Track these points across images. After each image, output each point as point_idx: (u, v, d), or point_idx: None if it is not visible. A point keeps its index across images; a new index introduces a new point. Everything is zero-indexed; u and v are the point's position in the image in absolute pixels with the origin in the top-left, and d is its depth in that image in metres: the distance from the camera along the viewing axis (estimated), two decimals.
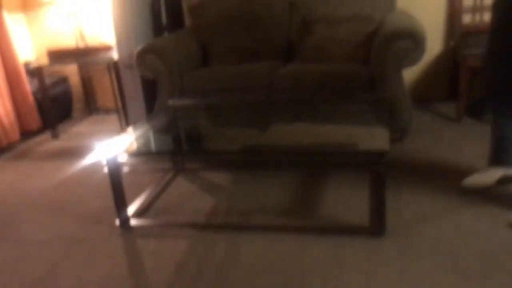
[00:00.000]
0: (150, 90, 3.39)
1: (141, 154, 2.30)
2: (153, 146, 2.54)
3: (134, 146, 2.40)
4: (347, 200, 2.36)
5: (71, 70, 4.20)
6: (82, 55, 3.79)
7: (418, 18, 3.09)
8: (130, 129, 2.65)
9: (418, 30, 2.68)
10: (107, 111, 4.27)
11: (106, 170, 2.22)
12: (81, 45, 3.94)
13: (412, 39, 2.64)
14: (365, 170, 2.03)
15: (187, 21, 3.84)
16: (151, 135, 2.63)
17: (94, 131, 3.90)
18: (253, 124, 2.85)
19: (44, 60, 3.82)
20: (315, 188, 2.54)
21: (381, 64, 2.73)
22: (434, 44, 3.60)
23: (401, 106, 2.82)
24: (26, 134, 3.83)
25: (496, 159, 2.32)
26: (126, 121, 3.67)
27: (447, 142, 2.98)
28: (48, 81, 3.88)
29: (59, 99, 4.08)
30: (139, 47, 3.12)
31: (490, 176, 2.31)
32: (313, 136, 2.53)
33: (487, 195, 2.26)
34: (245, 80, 3.01)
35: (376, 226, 2.05)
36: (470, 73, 3.17)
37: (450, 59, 3.64)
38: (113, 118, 4.05)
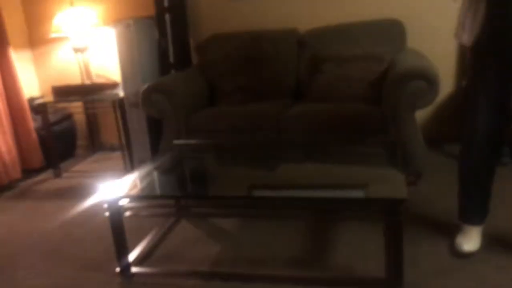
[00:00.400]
0: (156, 129, 3.32)
1: (143, 198, 2.20)
2: (157, 188, 2.44)
3: (137, 188, 2.30)
4: (361, 248, 2.24)
5: (76, 107, 4.14)
6: (88, 92, 3.73)
7: (429, 57, 3.05)
8: (133, 171, 2.56)
9: (432, 70, 2.61)
10: (111, 149, 4.19)
11: (107, 214, 2.12)
12: (87, 81, 3.89)
13: (425, 80, 2.57)
14: (381, 218, 1.91)
15: (195, 59, 3.81)
16: (155, 176, 2.53)
17: (97, 169, 3.81)
18: (260, 164, 2.76)
19: (49, 97, 3.77)
20: (326, 234, 2.41)
21: (394, 106, 2.65)
22: (445, 83, 3.51)
23: (415, 149, 2.73)
24: (28, 171, 3.74)
25: (464, 214, 2.20)
26: (130, 160, 3.58)
27: None
28: (52, 118, 3.82)
29: (63, 137, 4.01)
30: (145, 85, 3.07)
31: (473, 239, 2.15)
32: (323, 177, 2.43)
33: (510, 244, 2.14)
34: (253, 121, 2.94)
35: (393, 279, 1.92)
36: None
37: (461, 99, 3.55)
38: (117, 156, 3.96)
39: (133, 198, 2.19)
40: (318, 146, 2.82)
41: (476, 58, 1.99)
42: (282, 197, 2.13)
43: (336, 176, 2.36)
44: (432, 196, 2.76)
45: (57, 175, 3.72)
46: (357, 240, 2.30)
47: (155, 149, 3.38)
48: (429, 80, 2.57)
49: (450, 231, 2.27)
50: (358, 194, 2.12)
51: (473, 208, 2.16)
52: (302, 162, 2.69)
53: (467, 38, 1.95)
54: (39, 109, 3.65)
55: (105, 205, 2.09)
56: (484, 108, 1.98)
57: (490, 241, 2.18)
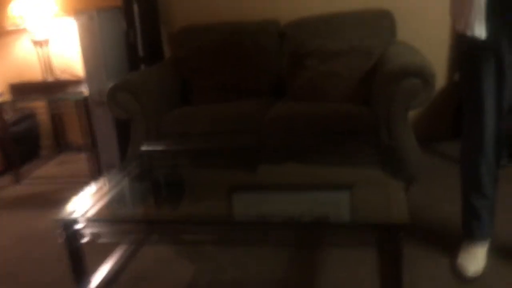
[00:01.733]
0: (124, 130, 3.01)
1: (104, 221, 1.93)
2: (120, 205, 2.15)
3: (99, 206, 2.01)
4: (353, 270, 1.99)
5: (39, 105, 3.81)
6: (50, 90, 3.41)
7: (420, 49, 2.81)
8: (98, 177, 2.28)
9: (427, 67, 2.37)
10: (78, 149, 3.87)
11: (62, 237, 1.83)
12: (49, 78, 3.55)
13: (420, 77, 2.32)
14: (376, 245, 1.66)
15: (167, 52, 3.50)
16: (120, 189, 2.24)
17: (61, 174, 3.50)
18: (240, 165, 2.50)
19: (7, 95, 3.43)
20: (313, 254, 2.16)
21: (386, 106, 2.40)
22: (436, 78, 3.29)
23: (410, 152, 2.49)
24: None
25: (469, 231, 1.97)
26: (97, 164, 3.28)
27: (456, 190, 2.63)
28: (11, 117, 3.50)
29: (25, 137, 3.68)
30: (110, 83, 2.77)
31: (477, 258, 1.93)
32: (306, 178, 2.19)
33: None
34: (231, 123, 2.67)
35: None
36: None
37: (453, 94, 3.33)
38: (83, 158, 3.65)
39: (92, 221, 1.90)
40: (301, 150, 2.57)
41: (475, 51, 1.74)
42: (262, 222, 1.86)
43: (319, 176, 2.16)
44: (427, 203, 2.53)
45: (17, 180, 3.40)
46: (349, 261, 2.06)
47: (124, 152, 3.09)
48: (424, 77, 2.32)
49: (450, 246, 2.05)
50: (345, 215, 1.86)
51: (480, 221, 1.93)
52: (284, 161, 2.45)
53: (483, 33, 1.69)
54: None
55: (60, 229, 1.81)
56: (490, 107, 1.75)
57: (494, 252, 1.96)
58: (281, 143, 2.63)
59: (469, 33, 1.69)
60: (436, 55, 3.24)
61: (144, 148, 2.57)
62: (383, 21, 2.99)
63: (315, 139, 2.54)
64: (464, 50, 1.81)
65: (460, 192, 1.98)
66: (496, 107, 1.74)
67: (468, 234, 1.95)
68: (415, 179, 2.61)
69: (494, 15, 1.63)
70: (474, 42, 1.69)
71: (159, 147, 2.62)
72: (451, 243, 2.08)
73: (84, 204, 1.95)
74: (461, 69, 1.90)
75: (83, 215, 1.87)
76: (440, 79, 3.32)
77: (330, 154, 2.42)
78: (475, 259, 1.90)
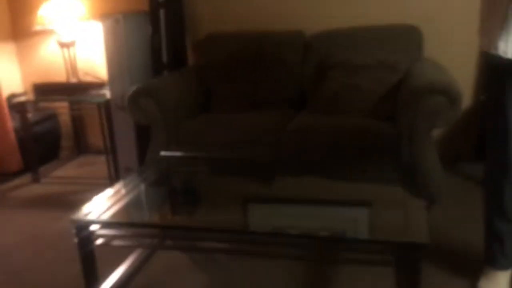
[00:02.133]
0: (144, 135, 3.01)
1: (118, 224, 1.92)
2: (137, 210, 2.14)
3: (115, 209, 2.00)
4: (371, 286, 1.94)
5: (61, 106, 3.84)
6: (73, 91, 3.44)
7: (447, 66, 2.75)
8: (117, 180, 2.27)
9: (454, 86, 2.31)
10: (97, 152, 3.88)
11: (75, 240, 1.82)
12: (72, 79, 3.58)
13: (446, 96, 2.27)
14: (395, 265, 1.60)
15: (191, 59, 3.50)
16: (137, 194, 2.23)
17: (79, 175, 3.51)
18: (257, 176, 2.47)
19: (31, 95, 3.47)
20: (329, 271, 2.11)
21: (410, 123, 2.35)
22: (465, 93, 3.22)
23: (432, 172, 2.43)
24: (4, 175, 3.44)
25: (491, 257, 1.90)
26: (115, 167, 3.28)
27: (479, 212, 2.56)
28: (33, 117, 3.52)
29: (46, 138, 3.71)
30: (133, 88, 2.77)
31: (499, 285, 1.86)
32: (323, 192, 2.15)
33: None
34: (250, 134, 2.64)
35: None
36: None
37: (479, 114, 3.25)
38: (102, 161, 3.66)
39: (106, 224, 1.88)
40: (320, 163, 2.53)
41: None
42: (277, 234, 1.82)
43: (338, 192, 2.12)
44: (448, 224, 2.46)
45: (36, 180, 3.42)
46: (366, 280, 2.01)
47: (142, 157, 3.08)
48: (450, 96, 2.27)
49: (471, 269, 1.98)
50: (363, 232, 1.81)
51: (503, 247, 1.86)
52: (302, 174, 2.41)
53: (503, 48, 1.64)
54: (18, 107, 3.35)
55: (73, 230, 1.79)
56: None
57: None
58: (300, 155, 2.59)
59: (493, 50, 1.64)
60: (462, 74, 3.17)
61: (162, 154, 2.56)
62: (410, 37, 2.94)
63: (334, 153, 2.50)
64: (490, 69, 1.76)
65: (483, 215, 1.91)
66: None
67: (490, 259, 1.88)
68: (437, 199, 2.55)
69: None
70: (499, 61, 1.64)
71: (177, 154, 2.60)
72: (472, 267, 2.00)
73: (99, 207, 1.94)
74: (486, 89, 1.84)
75: (97, 218, 1.86)
76: (466, 98, 3.24)
77: (349, 169, 2.38)
78: (497, 285, 1.83)
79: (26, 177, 3.48)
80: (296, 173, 2.46)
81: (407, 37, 2.94)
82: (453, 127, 3.28)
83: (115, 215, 1.95)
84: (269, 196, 2.31)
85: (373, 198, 2.13)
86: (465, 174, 3.14)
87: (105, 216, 1.90)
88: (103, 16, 3.14)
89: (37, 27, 3.48)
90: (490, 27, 1.66)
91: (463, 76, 3.19)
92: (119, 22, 3.01)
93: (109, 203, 2.02)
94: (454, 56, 3.11)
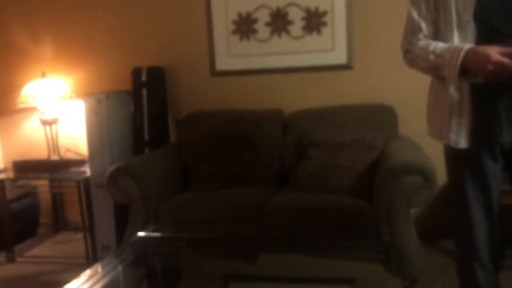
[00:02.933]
0: (123, 213, 2.98)
1: None
2: None
3: None
4: None
5: (41, 183, 3.81)
6: (53, 168, 3.44)
7: (421, 144, 2.82)
8: (93, 260, 2.22)
9: (429, 165, 2.38)
10: (76, 229, 3.81)
11: None
12: (53, 156, 3.58)
13: (421, 175, 2.32)
14: None
15: (173, 137, 3.55)
16: (114, 277, 2.18)
17: (56, 254, 3.42)
18: (239, 255, 2.45)
19: (10, 172, 3.46)
20: None
21: (387, 202, 2.39)
22: (440, 172, 3.28)
23: (411, 250, 2.43)
24: None
25: None
26: (92, 246, 3.22)
27: None
28: (12, 195, 3.49)
29: (23, 215, 3.65)
30: (112, 166, 2.78)
31: None
32: (305, 270, 2.17)
33: None
34: (231, 211, 2.64)
35: None
36: None
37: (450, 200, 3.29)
38: (81, 238, 3.59)
39: None
40: (301, 241, 2.52)
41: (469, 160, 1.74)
42: None
43: (321, 269, 2.15)
44: None
45: (11, 259, 3.33)
46: None
47: (121, 235, 3.03)
48: (425, 175, 2.32)
49: None
50: None
51: None
52: (284, 251, 2.41)
53: (463, 142, 1.69)
54: None
55: None
56: (478, 212, 1.71)
57: None
58: (281, 233, 2.59)
59: (445, 141, 1.71)
60: (438, 151, 3.25)
61: (141, 233, 2.54)
62: (384, 116, 3.04)
63: (315, 232, 2.50)
64: (446, 155, 1.82)
65: None
66: (484, 212, 1.71)
67: None
68: (417, 277, 2.53)
69: (473, 125, 1.64)
70: (453, 150, 1.70)
71: (156, 233, 2.58)
72: None
73: None
74: (447, 174, 1.88)
75: None
76: (443, 175, 3.31)
77: (330, 247, 2.38)
78: None
79: (1, 256, 3.38)
80: (278, 251, 2.46)
81: (382, 116, 3.03)
82: (432, 203, 3.32)
83: None
84: (251, 274, 2.29)
85: (354, 276, 2.13)
86: (446, 250, 3.14)
87: None
88: (86, 95, 3.20)
89: (21, 106, 3.52)
90: (438, 118, 1.74)
91: (439, 153, 3.27)
92: (101, 101, 3.07)
93: (85, 286, 1.97)
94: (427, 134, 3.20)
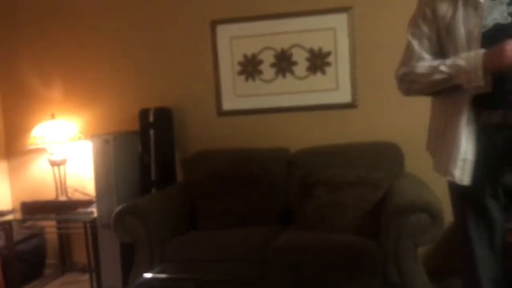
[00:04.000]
0: (130, 253, 2.97)
1: None
2: None
3: None
4: None
5: (48, 224, 3.82)
6: (61, 209, 3.45)
7: (428, 181, 2.81)
8: None
9: (436, 203, 2.37)
10: (82, 270, 3.79)
11: None
12: (61, 197, 3.61)
13: (428, 213, 2.31)
14: None
15: (180, 176, 3.57)
16: None
17: None
18: None
19: (18, 213, 3.48)
20: None
21: (394, 241, 2.37)
22: (447, 210, 3.24)
23: None
24: None
25: None
26: (98, 286, 3.20)
27: None
28: (19, 236, 3.50)
29: (30, 256, 3.64)
30: (119, 207, 2.79)
31: None
32: None
33: None
34: (236, 251, 2.63)
35: None
36: None
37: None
38: (87, 279, 3.57)
39: None
40: (307, 281, 2.50)
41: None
42: None
43: None
44: None
45: None
46: None
47: (127, 276, 3.02)
48: (432, 214, 2.31)
49: None
50: None
51: None
52: None
53: (467, 180, 1.68)
54: (4, 226, 3.33)
55: None
56: (482, 253, 1.70)
57: None
58: (287, 274, 2.56)
59: (449, 177, 1.69)
60: (445, 188, 3.24)
61: (146, 275, 2.52)
62: (390, 154, 3.04)
63: (321, 271, 2.47)
64: (450, 191, 1.81)
65: None
66: (489, 251, 1.70)
67: None
68: None
69: (476, 164, 1.64)
70: (457, 186, 1.69)
71: (161, 275, 2.57)
72: None
73: None
74: (452, 210, 1.86)
75: None
76: (451, 212, 3.27)
77: (337, 287, 2.35)
78: None
79: None
80: None
81: (388, 154, 3.04)
82: (440, 242, 3.28)
83: None
84: None
85: None
86: None
87: None
88: (94, 136, 3.25)
89: (30, 147, 3.57)
90: (442, 153, 1.73)
91: (446, 190, 3.25)
92: (109, 142, 3.11)
93: None
94: (434, 172, 3.19)
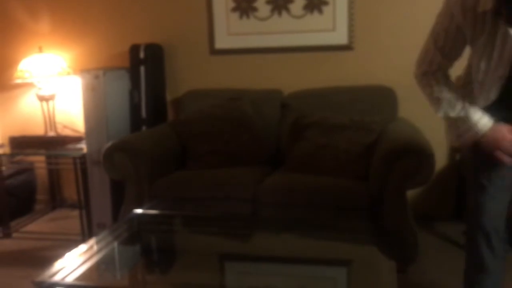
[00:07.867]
0: (119, 189, 2.97)
1: (83, 286, 1.87)
2: (108, 270, 2.08)
3: (85, 268, 1.94)
4: None
5: (38, 159, 3.80)
6: (50, 145, 3.42)
7: (420, 128, 2.80)
8: (89, 236, 2.21)
9: (426, 146, 2.36)
10: (72, 205, 3.81)
11: None
12: (50, 133, 3.57)
13: (419, 157, 2.30)
14: None
15: (170, 115, 3.53)
16: (108, 253, 2.17)
17: (53, 230, 3.42)
18: (233, 233, 2.44)
19: (7, 148, 3.44)
20: None
21: (383, 184, 2.37)
22: (438, 157, 3.25)
23: (405, 232, 2.42)
24: None
25: None
26: (88, 223, 3.22)
27: (459, 276, 2.53)
28: (8, 171, 3.48)
29: (20, 191, 3.65)
30: (108, 143, 2.76)
31: None
32: (299, 250, 2.17)
33: None
34: (225, 189, 2.63)
35: None
36: None
37: (455, 174, 3.29)
38: (77, 215, 3.59)
39: (72, 287, 1.83)
40: (296, 222, 2.52)
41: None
42: None
43: (315, 249, 2.15)
44: (423, 285, 2.43)
45: (7, 235, 3.33)
46: None
47: (117, 212, 3.03)
48: (423, 157, 2.30)
49: None
50: None
51: None
52: (279, 231, 2.41)
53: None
54: None
55: None
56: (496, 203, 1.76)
57: None
58: (276, 213, 2.58)
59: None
60: (437, 135, 3.23)
61: (136, 211, 2.53)
62: (384, 98, 3.01)
63: (309, 212, 2.49)
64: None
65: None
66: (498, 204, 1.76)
67: None
68: (412, 259, 2.53)
69: None
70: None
71: (152, 211, 2.57)
72: None
73: (68, 266, 1.89)
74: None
75: (63, 279, 1.81)
76: (442, 158, 3.30)
77: (324, 228, 2.38)
78: None
79: None
80: (272, 231, 2.45)
81: (382, 98, 3.01)
82: (429, 187, 3.31)
83: (84, 275, 1.90)
84: (245, 253, 2.29)
85: (346, 258, 2.13)
86: (443, 233, 3.14)
87: (74, 276, 1.84)
88: (84, 71, 3.17)
89: (17, 81, 3.49)
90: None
91: (438, 137, 3.24)
92: (99, 77, 3.04)
93: (79, 261, 1.97)
94: (428, 116, 3.16)
